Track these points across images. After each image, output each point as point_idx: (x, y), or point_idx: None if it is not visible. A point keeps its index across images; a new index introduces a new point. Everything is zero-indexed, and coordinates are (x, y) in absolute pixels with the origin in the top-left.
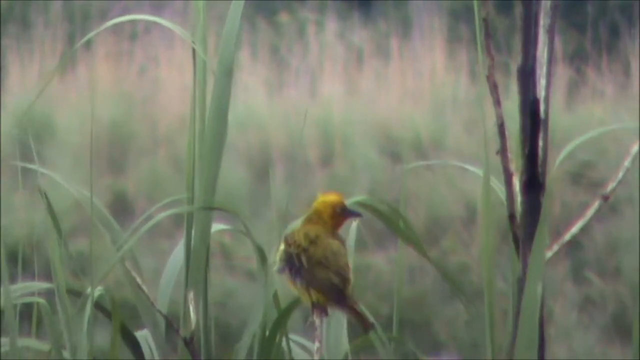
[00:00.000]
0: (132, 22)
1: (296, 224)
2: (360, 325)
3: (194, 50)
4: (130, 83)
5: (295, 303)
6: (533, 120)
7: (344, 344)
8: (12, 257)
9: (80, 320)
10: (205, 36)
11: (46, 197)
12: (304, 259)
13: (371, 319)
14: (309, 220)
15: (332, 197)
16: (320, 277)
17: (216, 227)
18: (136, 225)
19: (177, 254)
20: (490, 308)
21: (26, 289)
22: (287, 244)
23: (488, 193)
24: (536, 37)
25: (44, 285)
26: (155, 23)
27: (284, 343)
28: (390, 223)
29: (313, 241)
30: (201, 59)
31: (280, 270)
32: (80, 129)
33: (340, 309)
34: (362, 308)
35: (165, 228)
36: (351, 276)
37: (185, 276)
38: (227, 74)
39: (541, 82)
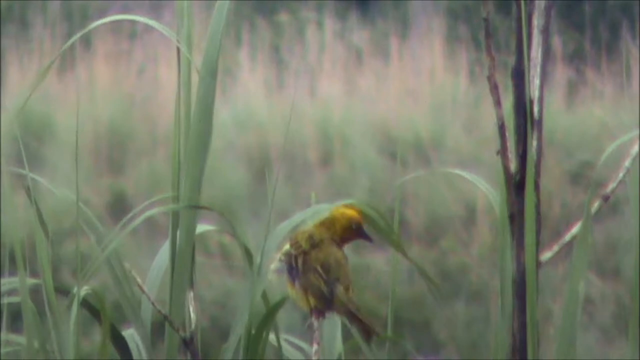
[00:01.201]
0: (131, 21)
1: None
2: (362, 333)
3: (178, 50)
4: (130, 83)
5: (281, 302)
6: (526, 120)
7: (338, 345)
8: (11, 257)
9: (67, 320)
10: (190, 35)
11: (33, 198)
12: (300, 262)
13: (374, 326)
14: (321, 225)
15: (352, 212)
16: (313, 284)
17: (202, 227)
18: (124, 223)
19: (164, 254)
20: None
21: (10, 284)
22: (290, 244)
23: (532, 192)
24: (530, 38)
25: (30, 281)
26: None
27: (275, 343)
28: (375, 225)
29: (314, 245)
30: (186, 58)
31: (279, 271)
32: (80, 129)
33: (337, 313)
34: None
35: (163, 227)
36: (345, 286)
37: (171, 276)
38: (211, 74)
39: (535, 83)
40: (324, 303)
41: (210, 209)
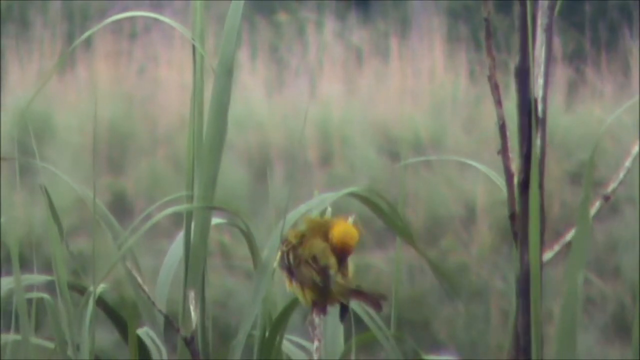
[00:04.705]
0: (132, 21)
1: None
2: (369, 305)
3: (194, 48)
4: (130, 82)
5: (294, 304)
6: (530, 119)
7: (340, 343)
8: (20, 255)
9: (82, 319)
10: (203, 33)
11: (47, 193)
12: (291, 257)
13: (379, 295)
14: (313, 227)
15: (350, 236)
16: (306, 276)
17: (214, 220)
18: (136, 224)
19: (174, 252)
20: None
21: (26, 281)
22: (282, 244)
23: (536, 191)
24: (534, 37)
25: (44, 277)
26: (154, 22)
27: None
28: (384, 215)
29: (301, 240)
30: (200, 55)
31: (280, 268)
32: (80, 129)
33: (335, 302)
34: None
35: (163, 227)
36: (335, 272)
37: (185, 274)
38: (227, 73)
39: (539, 82)
40: (320, 292)
41: (225, 209)
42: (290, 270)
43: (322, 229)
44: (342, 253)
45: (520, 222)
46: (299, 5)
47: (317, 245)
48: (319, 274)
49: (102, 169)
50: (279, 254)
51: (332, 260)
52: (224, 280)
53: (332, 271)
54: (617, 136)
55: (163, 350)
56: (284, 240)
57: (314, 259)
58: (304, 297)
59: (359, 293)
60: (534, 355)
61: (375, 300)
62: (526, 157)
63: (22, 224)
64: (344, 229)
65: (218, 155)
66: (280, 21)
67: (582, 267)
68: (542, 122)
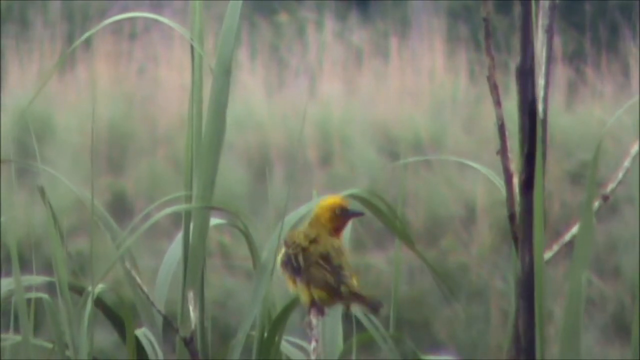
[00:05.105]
0: (132, 21)
1: (297, 227)
2: (369, 309)
3: (192, 48)
4: (130, 83)
5: (293, 304)
6: (532, 120)
7: (339, 343)
8: (20, 255)
9: (81, 319)
10: (202, 33)
11: (46, 195)
12: (300, 259)
13: (377, 300)
14: (310, 225)
15: (330, 200)
16: (316, 277)
17: (213, 221)
18: (135, 224)
19: (173, 253)
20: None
21: (26, 281)
22: (287, 246)
23: (540, 192)
24: (535, 37)
25: (43, 278)
26: (154, 22)
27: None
28: (383, 217)
29: (312, 241)
30: (199, 55)
31: (282, 270)
32: (80, 129)
33: (341, 302)
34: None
35: (163, 227)
36: (349, 273)
37: (183, 275)
38: (225, 72)
39: (540, 82)
40: (331, 292)
41: (224, 209)
42: (296, 272)
43: (328, 205)
44: (342, 209)
45: (522, 222)
46: (299, 5)
47: (329, 245)
48: (332, 274)
49: (102, 169)
50: (282, 255)
51: (344, 260)
52: (224, 281)
53: (346, 274)
54: (617, 136)
55: (159, 351)
56: (291, 243)
57: (326, 259)
58: (310, 296)
59: (359, 297)
60: (537, 355)
61: (374, 305)
62: (528, 157)
63: (22, 224)
64: (326, 202)
65: (217, 155)
66: (280, 21)
67: (585, 267)
68: (543, 122)
